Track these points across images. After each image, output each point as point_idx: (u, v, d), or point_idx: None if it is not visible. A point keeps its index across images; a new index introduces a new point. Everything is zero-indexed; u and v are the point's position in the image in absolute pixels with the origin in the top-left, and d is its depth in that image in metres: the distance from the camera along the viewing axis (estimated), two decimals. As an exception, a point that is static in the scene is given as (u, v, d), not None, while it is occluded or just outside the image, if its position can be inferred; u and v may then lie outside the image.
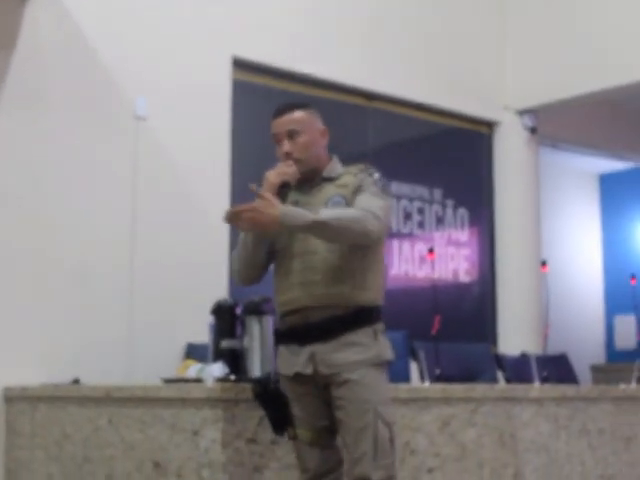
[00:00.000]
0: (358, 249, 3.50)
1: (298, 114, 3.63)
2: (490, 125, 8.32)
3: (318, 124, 3.67)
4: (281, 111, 3.65)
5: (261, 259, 3.64)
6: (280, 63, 6.79)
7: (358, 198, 3.50)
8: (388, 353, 3.56)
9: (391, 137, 7.66)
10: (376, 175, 3.59)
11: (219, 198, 6.25)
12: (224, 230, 6.10)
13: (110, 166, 5.89)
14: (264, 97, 6.71)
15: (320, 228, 3.36)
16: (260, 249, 3.61)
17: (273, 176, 3.52)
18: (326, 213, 3.37)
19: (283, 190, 3.52)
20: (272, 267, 3.70)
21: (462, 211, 8.04)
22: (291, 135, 3.60)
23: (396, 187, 7.44)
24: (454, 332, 6.68)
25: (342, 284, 3.48)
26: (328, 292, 3.47)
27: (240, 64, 6.61)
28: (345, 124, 7.06)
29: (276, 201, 3.36)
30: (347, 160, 3.78)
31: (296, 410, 3.57)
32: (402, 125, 7.69)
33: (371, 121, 7.46)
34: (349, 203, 3.51)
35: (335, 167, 3.67)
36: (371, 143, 7.42)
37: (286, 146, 3.60)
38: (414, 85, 7.57)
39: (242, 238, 3.64)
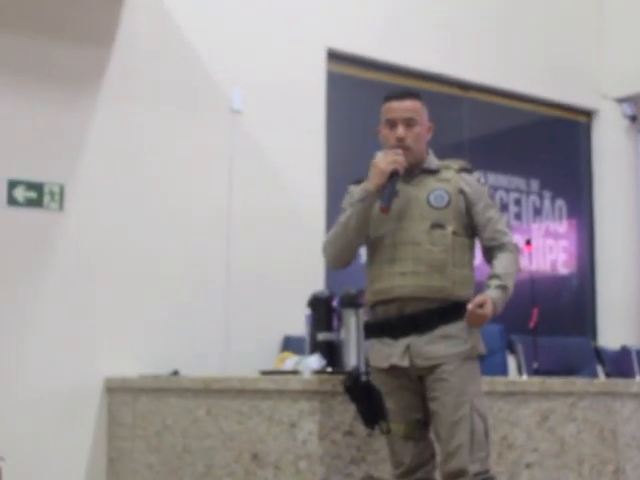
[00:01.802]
0: (460, 244, 3.54)
1: (415, 103, 3.62)
2: (588, 114, 8.19)
3: (426, 118, 3.67)
4: (399, 96, 3.63)
5: (357, 246, 3.64)
6: (374, 54, 6.80)
7: (488, 217, 3.59)
8: (481, 347, 3.57)
9: (487, 127, 7.61)
10: (482, 180, 3.68)
11: (314, 190, 6.31)
12: (320, 222, 6.21)
13: (206, 160, 5.97)
14: (358, 89, 6.72)
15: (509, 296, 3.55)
16: (361, 236, 3.60)
17: (384, 163, 3.50)
18: (509, 282, 3.52)
19: (393, 178, 3.49)
20: (365, 254, 3.72)
21: (560, 202, 7.95)
22: (408, 122, 3.58)
23: (492, 178, 7.40)
24: (552, 325, 6.61)
25: (444, 278, 3.49)
26: (429, 284, 3.48)
27: (335, 56, 6.63)
28: (440, 115, 6.88)
29: (489, 304, 3.43)
30: (444, 151, 3.77)
31: (390, 404, 3.55)
32: (498, 115, 7.63)
33: (466, 111, 7.43)
34: (452, 200, 3.55)
35: (433, 160, 3.67)
36: (467, 134, 7.38)
37: (401, 131, 3.57)
38: (510, 74, 7.51)
39: (342, 223, 3.61)
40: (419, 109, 3.62)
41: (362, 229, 3.58)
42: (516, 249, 3.61)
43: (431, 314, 3.49)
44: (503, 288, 3.48)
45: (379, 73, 6.88)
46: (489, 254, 3.61)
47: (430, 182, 3.60)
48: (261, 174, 6.15)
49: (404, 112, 3.58)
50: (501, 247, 3.58)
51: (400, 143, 3.56)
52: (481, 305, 3.40)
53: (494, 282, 3.49)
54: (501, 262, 3.55)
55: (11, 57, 5.37)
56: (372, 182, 3.51)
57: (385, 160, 3.50)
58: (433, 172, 3.62)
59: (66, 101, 5.51)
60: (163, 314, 5.66)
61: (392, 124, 3.60)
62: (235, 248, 5.96)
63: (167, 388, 4.94)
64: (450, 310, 3.50)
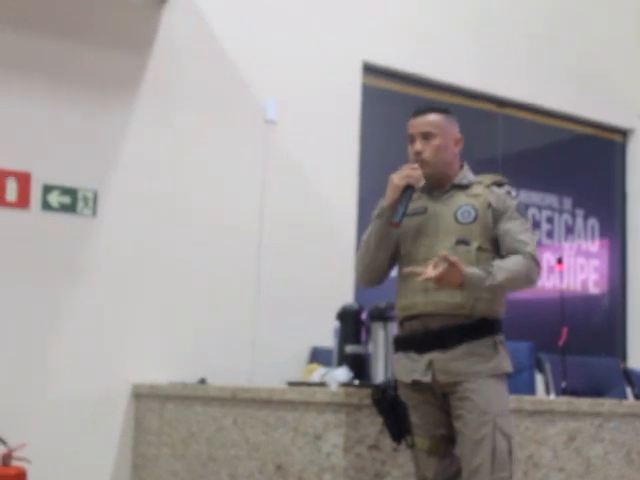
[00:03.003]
0: (485, 260, 3.51)
1: (435, 117, 3.64)
2: (624, 133, 8.13)
3: (454, 131, 3.68)
4: (420, 112, 3.67)
5: (382, 262, 3.65)
6: (409, 68, 6.80)
7: (508, 228, 3.53)
8: (507, 365, 3.54)
9: (521, 144, 7.58)
10: (513, 193, 3.63)
11: (347, 203, 6.32)
12: (351, 235, 6.20)
13: (239, 168, 5.98)
14: (393, 102, 6.72)
15: (495, 290, 3.45)
16: (382, 253, 3.62)
17: (397, 179, 3.53)
18: (500, 273, 3.40)
19: (406, 193, 3.52)
20: (396, 271, 3.72)
21: (592, 221, 7.89)
22: (425, 136, 3.60)
23: (525, 195, 7.37)
24: (582, 345, 6.58)
25: (466, 294, 3.47)
26: (450, 301, 3.47)
27: (370, 69, 6.64)
28: (475, 130, 6.97)
29: (462, 266, 3.34)
30: (476, 167, 3.77)
31: (414, 418, 3.56)
32: (532, 132, 7.60)
33: (501, 127, 7.40)
34: (480, 215, 3.54)
35: (466, 175, 3.67)
36: (501, 150, 7.36)
37: (418, 145, 3.60)
38: (546, 91, 7.48)
39: (365, 240, 3.66)
40: (440, 122, 3.63)
41: (382, 245, 3.61)
42: (532, 258, 3.48)
43: (455, 330, 3.48)
44: (487, 272, 3.39)
45: (414, 87, 6.88)
46: None
47: (460, 198, 3.61)
48: (293, 185, 6.15)
49: (421, 127, 3.62)
50: (516, 253, 3.49)
51: (417, 157, 3.60)
52: (452, 264, 3.31)
53: (484, 266, 3.43)
54: (506, 259, 3.48)
55: (48, 61, 5.40)
56: (387, 198, 3.56)
57: (399, 175, 3.54)
58: (464, 187, 3.63)
59: (102, 107, 5.54)
60: (193, 322, 5.68)
61: (412, 139, 3.65)
62: (266, 258, 5.97)
63: (194, 396, 4.94)
64: (475, 327, 3.49)
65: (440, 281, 3.33)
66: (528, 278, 3.50)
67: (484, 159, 6.96)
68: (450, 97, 6.98)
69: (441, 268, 3.31)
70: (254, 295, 5.91)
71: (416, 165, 3.58)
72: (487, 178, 3.66)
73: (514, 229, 3.53)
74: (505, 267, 3.44)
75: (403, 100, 6.72)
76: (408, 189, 3.53)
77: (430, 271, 3.32)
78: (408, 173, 3.54)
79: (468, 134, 3.74)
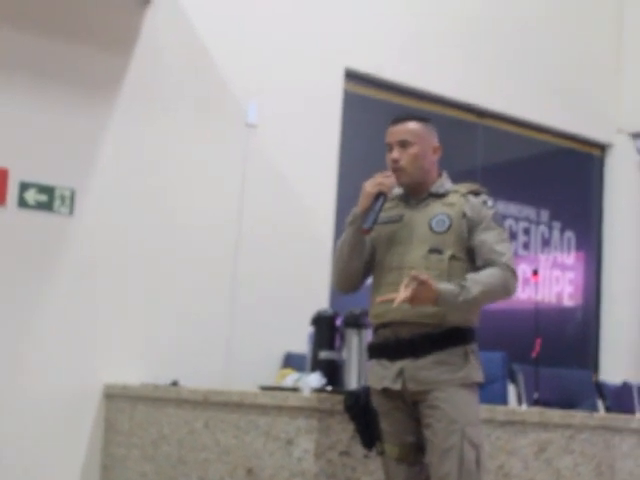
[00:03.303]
0: (458, 269, 3.50)
1: (413, 125, 3.65)
2: (602, 147, 8.19)
3: (432, 139, 3.68)
4: (398, 120, 3.68)
5: (356, 270, 3.65)
6: (391, 76, 6.81)
7: (483, 239, 3.52)
8: (478, 375, 3.54)
9: (500, 155, 7.62)
10: (489, 203, 3.61)
11: (325, 208, 6.34)
12: (328, 240, 6.20)
13: (220, 170, 5.98)
14: (374, 109, 6.73)
15: (470, 305, 3.44)
16: (355, 260, 3.63)
17: (370, 186, 3.54)
18: (474, 287, 3.39)
19: (378, 200, 3.52)
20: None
21: (569, 234, 7.94)
22: (403, 144, 3.61)
23: (503, 206, 7.39)
24: (555, 357, 6.58)
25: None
26: (421, 310, 3.44)
27: (352, 76, 6.64)
28: (454, 140, 6.97)
29: (434, 284, 3.33)
30: (455, 177, 3.77)
31: (384, 425, 3.56)
32: (512, 143, 7.63)
33: (481, 138, 7.43)
34: (454, 224, 3.53)
35: (444, 184, 3.67)
36: (480, 160, 7.39)
37: (395, 153, 3.61)
38: (526, 103, 7.51)
39: (338, 247, 3.67)
40: (418, 130, 3.64)
41: (355, 253, 3.62)
42: (508, 269, 3.48)
43: (426, 339, 3.47)
44: (460, 287, 3.38)
45: (396, 95, 6.89)
46: None
47: (435, 206, 3.60)
48: (272, 188, 6.15)
49: (399, 135, 3.63)
50: (492, 264, 3.48)
51: (395, 165, 3.61)
52: (423, 282, 3.29)
53: (457, 281, 3.42)
54: (481, 272, 3.47)
55: (28, 59, 5.37)
56: (360, 205, 3.57)
57: (371, 183, 3.55)
58: (441, 196, 3.62)
59: (82, 105, 5.52)
60: (167, 323, 5.66)
61: (390, 147, 3.66)
62: (243, 261, 5.96)
63: (166, 398, 4.93)
64: (446, 336, 3.48)
65: (413, 301, 3.33)
66: (505, 289, 3.49)
67: (463, 170, 6.95)
68: (431, 106, 7.00)
69: (411, 289, 3.31)
70: (229, 297, 5.90)
71: (389, 173, 3.59)
72: (464, 187, 3.65)
73: (490, 239, 3.52)
74: (479, 280, 3.43)
75: (384, 108, 6.73)
76: (380, 196, 3.53)
77: (402, 294, 3.32)
78: (381, 181, 3.54)
79: (448, 144, 3.75)
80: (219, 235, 5.93)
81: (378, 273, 3.63)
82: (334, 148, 6.48)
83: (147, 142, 5.74)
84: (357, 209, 3.59)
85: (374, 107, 6.77)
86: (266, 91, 6.17)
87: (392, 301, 3.34)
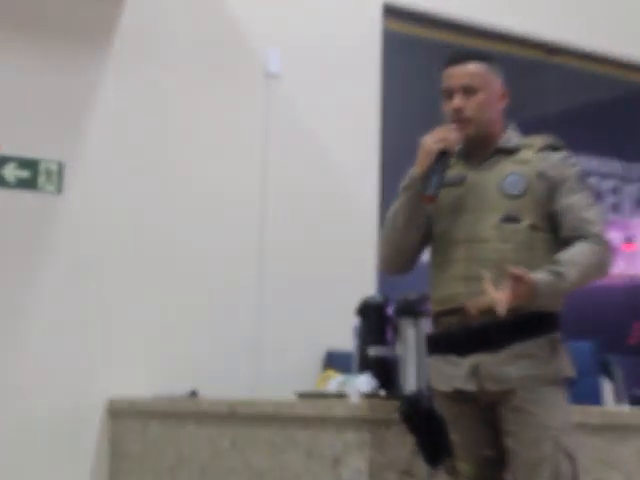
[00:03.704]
0: (540, 241, 3.51)
1: (478, 67, 3.63)
2: None
3: (499, 84, 3.67)
4: (458, 60, 3.65)
5: (412, 243, 3.66)
6: (440, 10, 6.74)
7: (569, 203, 3.52)
8: (569, 369, 3.54)
9: (577, 99, 7.56)
10: (572, 159, 3.62)
11: (366, 171, 6.31)
12: (372, 212, 6.21)
13: (236, 134, 5.97)
14: (421, 52, 6.71)
15: (567, 293, 3.48)
16: (412, 233, 3.63)
17: (431, 142, 3.52)
18: (572, 271, 3.37)
19: (442, 160, 3.51)
20: (428, 256, 3.73)
21: (669, 190, 7.92)
22: (467, 90, 3.59)
23: (583, 161, 7.26)
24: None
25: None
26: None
27: (392, 11, 6.59)
28: (520, 83, 6.85)
29: (531, 278, 3.30)
30: (523, 128, 3.75)
31: (455, 436, 3.54)
32: (590, 84, 7.56)
33: (552, 79, 7.35)
34: (531, 185, 3.53)
35: (512, 137, 3.67)
36: (552, 107, 7.35)
37: (458, 100, 3.58)
38: (605, 34, 7.37)
39: (390, 218, 3.68)
40: (483, 73, 3.63)
41: (412, 224, 3.62)
42: (603, 243, 3.48)
43: (504, 327, 3.45)
44: (557, 274, 3.37)
45: (446, 33, 6.85)
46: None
47: (505, 165, 3.61)
48: (301, 151, 6.14)
49: (461, 78, 3.61)
50: (584, 237, 3.48)
51: (458, 115, 3.60)
52: (516, 278, 3.28)
53: (548, 266, 3.40)
54: (573, 248, 3.46)
55: (1, 8, 5.37)
56: (418, 165, 3.56)
57: (433, 138, 3.54)
58: (510, 152, 3.64)
59: (68, 62, 5.54)
60: (181, 321, 5.66)
61: (449, 94, 3.66)
62: (269, 242, 5.96)
63: (184, 412, 4.98)
64: (528, 323, 3.48)
65: (512, 303, 3.30)
66: (602, 268, 3.50)
67: (533, 118, 6.90)
68: (488, 44, 6.90)
69: (508, 288, 3.29)
70: (256, 287, 5.90)
71: (453, 126, 3.58)
72: (539, 140, 3.64)
73: (577, 204, 3.52)
74: (575, 261, 3.41)
75: (431, 48, 6.69)
76: (444, 155, 3.52)
77: (496, 297, 3.29)
78: (444, 135, 3.53)
79: (512, 88, 3.74)
80: (240, 213, 5.94)
81: (440, 247, 3.63)
82: (374, 99, 6.43)
83: (147, 104, 5.74)
84: (415, 170, 3.56)
85: (420, 48, 6.75)
86: (289, 34, 6.14)
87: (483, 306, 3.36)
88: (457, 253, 3.55)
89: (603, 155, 7.55)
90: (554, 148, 3.62)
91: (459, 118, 3.58)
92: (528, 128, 3.76)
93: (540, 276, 3.35)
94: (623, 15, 7.45)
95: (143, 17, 5.73)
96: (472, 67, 3.62)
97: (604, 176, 7.55)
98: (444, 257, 3.59)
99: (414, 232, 3.62)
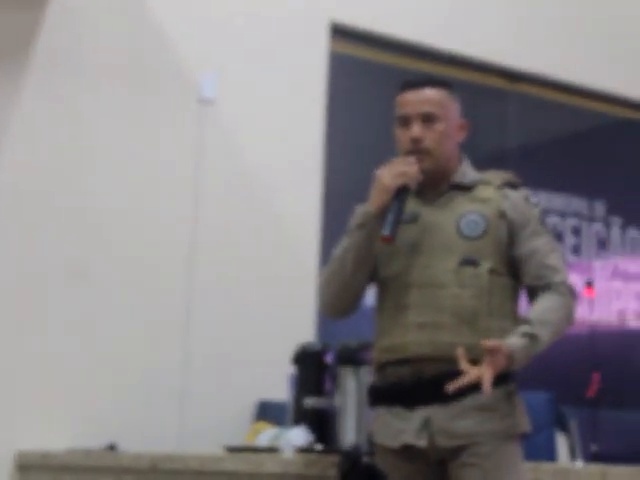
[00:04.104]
0: (500, 286, 3.51)
1: (436, 93, 3.61)
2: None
3: (457, 113, 3.66)
4: (415, 85, 3.63)
5: (359, 285, 3.63)
6: (392, 32, 6.80)
7: (533, 248, 3.53)
8: (525, 423, 3.53)
9: (539, 131, 7.63)
10: (533, 199, 3.64)
11: (308, 205, 6.35)
12: (312, 248, 6.24)
13: (166, 164, 5.99)
14: (370, 75, 6.77)
15: (542, 350, 3.46)
16: (361, 275, 3.59)
17: (388, 178, 3.48)
18: (544, 331, 3.40)
19: (400, 196, 3.47)
20: (373, 300, 3.70)
21: (633, 232, 7.95)
22: (426, 119, 3.56)
23: (544, 198, 7.37)
24: (618, 396, 6.58)
25: (475, 332, 3.44)
26: (456, 341, 3.42)
27: (340, 32, 6.65)
28: (479, 112, 6.96)
29: (504, 346, 3.32)
30: (480, 162, 3.75)
31: None
32: (553, 115, 7.64)
33: (513, 109, 7.45)
34: (491, 226, 3.53)
35: (467, 172, 3.66)
36: (512, 138, 7.43)
37: (417, 129, 3.55)
38: (569, 63, 7.48)
39: (338, 257, 3.62)
40: (444, 101, 3.61)
41: (363, 265, 3.58)
42: (569, 292, 3.51)
43: (457, 378, 3.38)
44: (531, 337, 3.38)
45: (398, 56, 6.91)
46: (532, 297, 3.54)
47: (462, 203, 3.59)
48: (237, 184, 6.16)
49: (421, 105, 3.57)
50: (548, 287, 3.49)
51: (416, 145, 3.55)
52: (492, 351, 3.29)
53: (521, 328, 3.41)
54: (541, 304, 3.49)
55: None
56: (373, 202, 3.51)
57: (390, 172, 3.49)
58: (467, 189, 3.61)
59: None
60: (100, 368, 5.63)
61: (406, 121, 3.59)
62: (198, 282, 5.96)
63: (101, 467, 4.94)
64: None
65: (493, 377, 3.32)
66: (569, 320, 3.54)
67: (491, 151, 7.02)
68: (446, 69, 7.01)
69: (487, 363, 3.29)
70: (182, 332, 5.89)
71: (412, 159, 3.53)
72: (496, 177, 3.65)
73: (541, 250, 3.54)
74: (547, 319, 3.44)
75: (383, 72, 6.76)
76: (402, 191, 3.48)
77: (473, 373, 3.30)
78: (403, 169, 3.49)
79: (470, 118, 3.71)
80: (168, 248, 5.94)
81: (390, 291, 3.59)
82: (318, 126, 6.49)
83: (66, 127, 5.75)
84: (370, 208, 3.52)
85: (371, 72, 6.82)
86: (226, 57, 6.19)
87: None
88: (410, 298, 3.51)
89: (565, 192, 7.60)
90: (512, 186, 3.62)
91: (418, 149, 3.53)
92: (485, 163, 3.75)
93: (515, 341, 3.35)
94: (592, 41, 7.56)
95: (63, 33, 5.75)
96: (432, 93, 3.60)
97: (565, 215, 7.61)
98: (395, 302, 3.56)
99: (363, 274, 3.59)
